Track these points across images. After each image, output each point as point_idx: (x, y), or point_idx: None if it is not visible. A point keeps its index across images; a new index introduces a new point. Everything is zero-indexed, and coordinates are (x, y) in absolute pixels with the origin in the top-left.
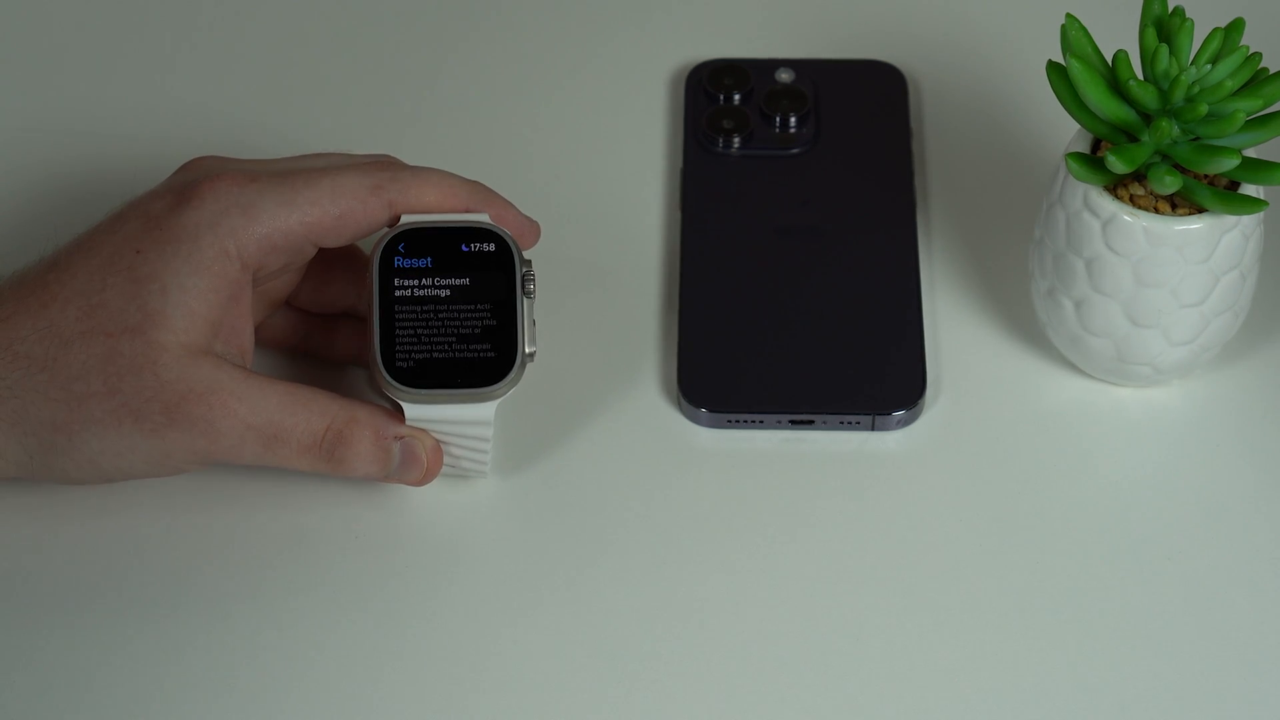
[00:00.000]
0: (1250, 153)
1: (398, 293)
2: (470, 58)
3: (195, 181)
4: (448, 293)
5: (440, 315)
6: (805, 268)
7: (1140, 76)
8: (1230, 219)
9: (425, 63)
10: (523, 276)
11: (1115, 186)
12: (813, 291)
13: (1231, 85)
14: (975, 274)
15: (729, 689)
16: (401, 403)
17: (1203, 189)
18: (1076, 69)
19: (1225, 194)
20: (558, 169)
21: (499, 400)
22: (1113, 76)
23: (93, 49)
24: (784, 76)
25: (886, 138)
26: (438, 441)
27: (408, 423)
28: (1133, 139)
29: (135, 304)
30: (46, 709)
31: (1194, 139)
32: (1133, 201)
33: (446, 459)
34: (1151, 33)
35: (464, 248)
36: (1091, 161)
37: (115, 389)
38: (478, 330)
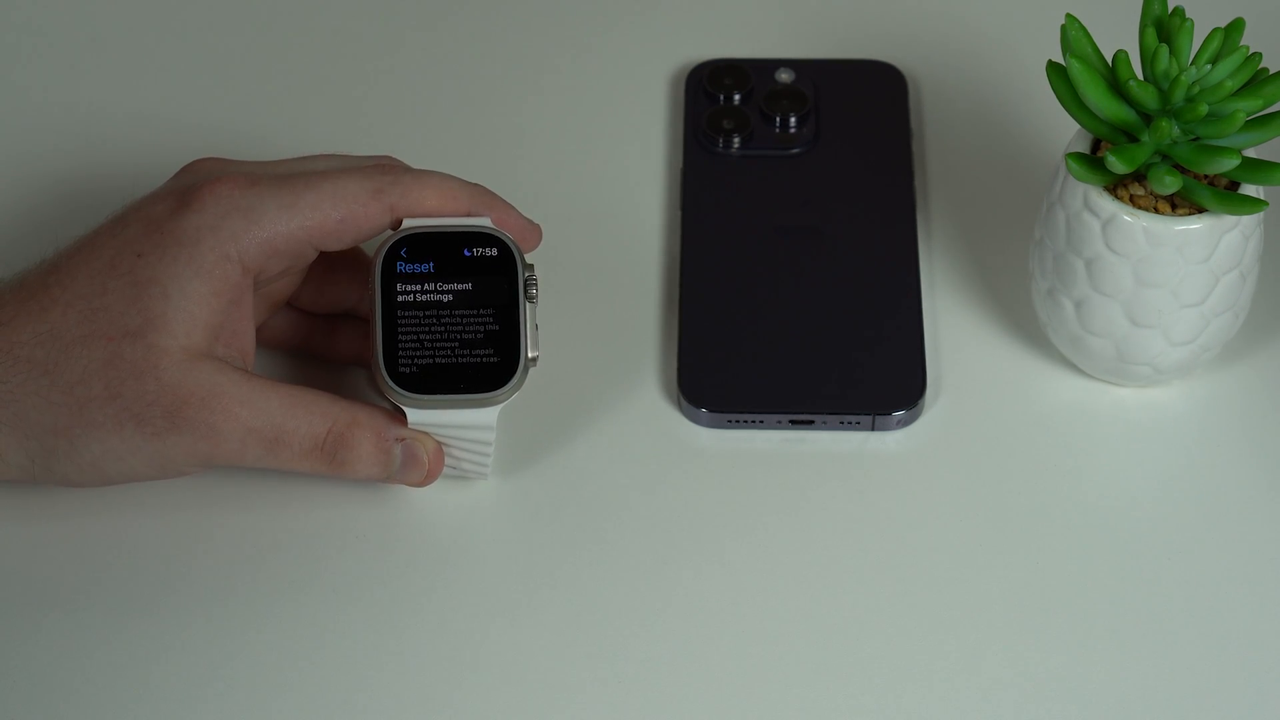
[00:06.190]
0: (1250, 153)
1: (400, 298)
2: (470, 58)
3: (196, 185)
4: (450, 298)
5: (443, 320)
6: (805, 268)
7: (1140, 76)
8: (1230, 219)
9: (425, 63)
10: (525, 281)
11: (1115, 186)
12: (813, 291)
13: (1231, 85)
14: (975, 274)
15: (729, 688)
16: (404, 408)
17: (1203, 189)
18: (1076, 69)
19: (1225, 194)
20: (558, 169)
21: (501, 405)
22: (1113, 76)
23: (93, 50)
24: (784, 76)
25: (886, 138)
26: (439, 443)
27: (410, 426)
28: (1133, 139)
29: (136, 308)
30: (46, 708)
31: (1194, 139)
32: (1133, 201)
33: (448, 461)
34: (1151, 33)
35: (466, 252)
36: (1091, 161)
37: (116, 393)
38: (480, 335)
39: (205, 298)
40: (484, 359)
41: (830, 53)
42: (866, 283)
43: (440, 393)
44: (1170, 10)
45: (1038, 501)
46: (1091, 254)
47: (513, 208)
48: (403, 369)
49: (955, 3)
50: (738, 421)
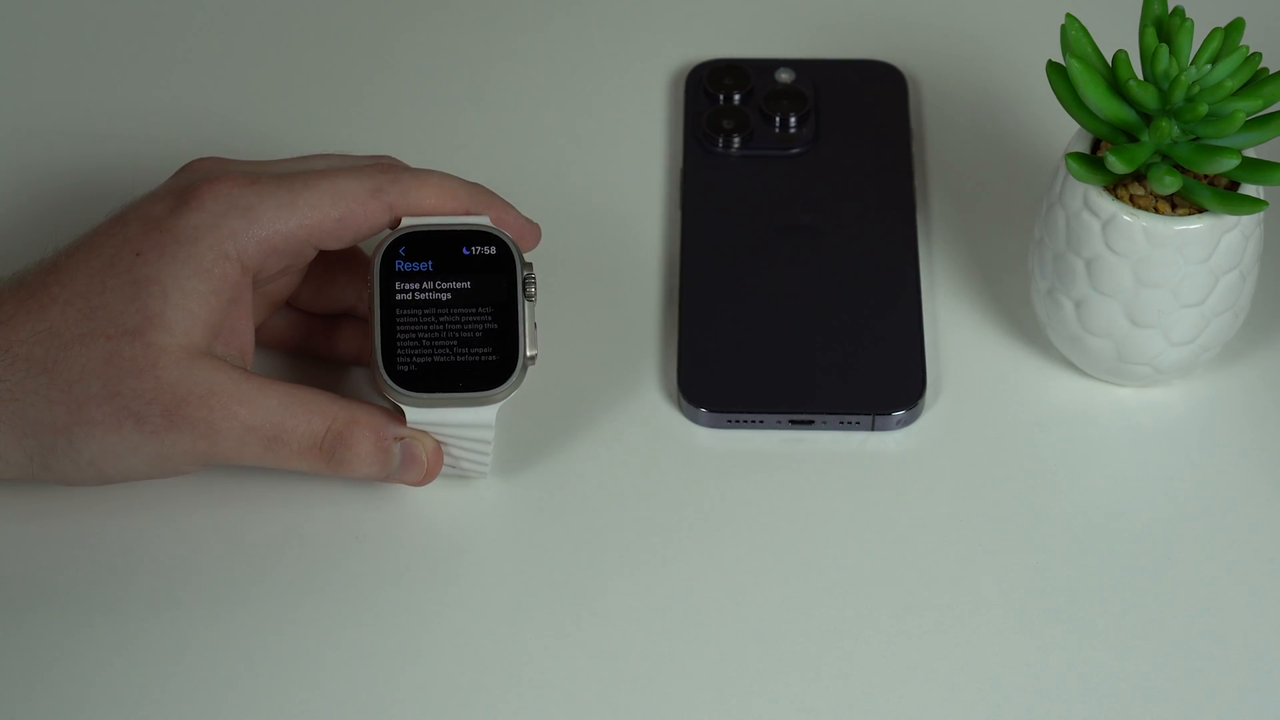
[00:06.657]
0: (1250, 153)
1: (399, 296)
2: (469, 57)
3: (195, 184)
4: (449, 296)
5: (441, 318)
6: (805, 267)
7: (1140, 76)
8: (1230, 219)
9: (423, 62)
10: (524, 279)
11: (1115, 186)
12: (813, 291)
13: (1231, 85)
14: (975, 274)
15: (728, 688)
16: (403, 406)
17: (1203, 189)
18: (1076, 69)
19: (1225, 194)
20: (558, 169)
21: (500, 404)
22: (1113, 76)
23: (92, 50)
24: (784, 76)
25: (886, 138)
26: (438, 442)
27: (409, 425)
28: (1133, 139)
29: (135, 306)
30: (46, 709)
31: (1194, 139)
32: (1133, 201)
33: (447, 460)
34: (1151, 33)
35: (465, 251)
36: (1091, 161)
37: (115, 391)
38: (479, 334)
39: (204, 296)
40: (483, 357)
41: (830, 53)
42: (866, 282)
43: (439, 391)
44: (1170, 10)
45: (1037, 502)
46: (1091, 254)
47: (512, 207)
48: (401, 367)
49: (955, 3)
50: (738, 421)
